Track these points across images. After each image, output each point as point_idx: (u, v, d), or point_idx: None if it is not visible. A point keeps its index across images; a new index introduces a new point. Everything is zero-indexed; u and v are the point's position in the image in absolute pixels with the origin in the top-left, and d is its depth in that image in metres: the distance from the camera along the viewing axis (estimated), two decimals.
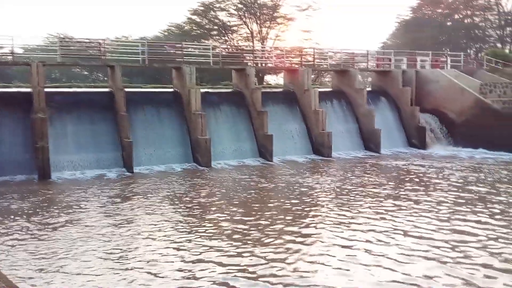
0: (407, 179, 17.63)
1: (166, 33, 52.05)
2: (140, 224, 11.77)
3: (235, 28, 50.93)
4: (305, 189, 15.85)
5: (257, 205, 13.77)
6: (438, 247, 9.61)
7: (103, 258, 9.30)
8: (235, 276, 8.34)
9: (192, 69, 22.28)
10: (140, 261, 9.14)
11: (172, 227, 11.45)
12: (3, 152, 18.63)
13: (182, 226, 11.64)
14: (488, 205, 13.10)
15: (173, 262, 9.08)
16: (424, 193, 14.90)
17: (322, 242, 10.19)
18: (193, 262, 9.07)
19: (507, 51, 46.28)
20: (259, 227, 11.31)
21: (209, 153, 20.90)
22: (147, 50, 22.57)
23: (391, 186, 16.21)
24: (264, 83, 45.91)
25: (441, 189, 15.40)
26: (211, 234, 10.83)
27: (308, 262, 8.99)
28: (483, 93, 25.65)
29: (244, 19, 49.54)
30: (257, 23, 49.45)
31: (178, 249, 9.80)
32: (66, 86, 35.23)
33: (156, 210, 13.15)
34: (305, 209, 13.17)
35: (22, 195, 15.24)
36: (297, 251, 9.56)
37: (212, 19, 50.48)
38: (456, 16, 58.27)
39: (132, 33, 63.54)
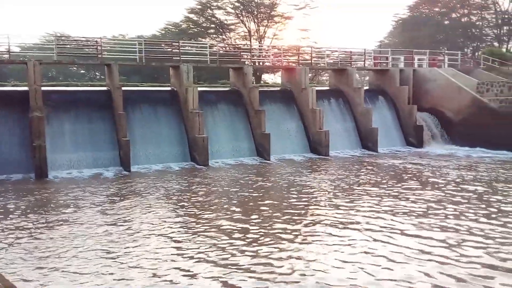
0: (404, 177, 17.65)
1: (163, 32, 52.01)
2: (137, 223, 11.74)
3: (232, 26, 50.91)
4: (302, 188, 15.85)
5: (254, 203, 13.76)
6: (435, 246, 9.61)
7: (100, 257, 9.27)
8: (233, 275, 8.33)
9: (189, 68, 22.26)
10: (137, 260, 9.12)
11: (169, 226, 11.43)
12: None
13: (180, 225, 11.62)
14: (485, 204, 13.12)
15: (171, 261, 9.06)
16: (421, 192, 14.92)
17: (320, 240, 10.18)
18: (191, 261, 9.05)
19: (504, 50, 46.37)
20: (257, 226, 11.30)
21: (206, 151, 20.89)
22: (144, 49, 22.53)
23: (388, 184, 16.22)
24: (262, 81, 45.92)
25: (438, 188, 15.42)
26: (209, 233, 10.80)
27: (306, 261, 8.98)
28: (480, 92, 25.71)
29: (241, 17, 49.52)
30: (254, 21, 49.44)
31: (176, 248, 9.78)
32: (63, 85, 35.16)
33: (153, 209, 13.13)
34: (303, 207, 13.17)
35: (19, 194, 15.19)
36: (295, 250, 9.55)
37: (209, 17, 50.45)
38: (453, 15, 58.37)
39: (129, 31, 63.55)
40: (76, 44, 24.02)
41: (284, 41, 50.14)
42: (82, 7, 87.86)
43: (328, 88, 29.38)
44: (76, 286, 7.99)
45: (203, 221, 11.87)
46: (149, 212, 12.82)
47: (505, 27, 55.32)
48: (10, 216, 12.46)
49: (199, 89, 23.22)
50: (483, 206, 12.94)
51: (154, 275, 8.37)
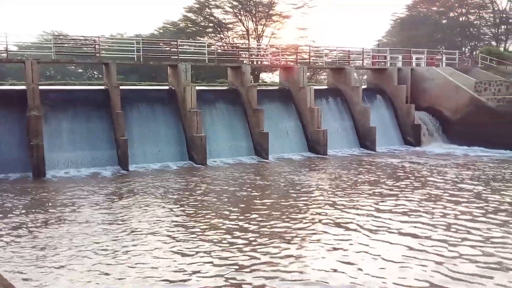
0: (402, 177, 17.67)
1: (161, 31, 51.99)
2: (135, 222, 11.74)
3: (230, 25, 50.92)
4: (300, 187, 15.86)
5: (253, 202, 13.76)
6: (432, 246, 9.62)
7: (98, 256, 9.26)
8: (232, 274, 8.33)
9: (187, 67, 22.24)
10: (135, 259, 9.12)
11: (167, 225, 11.42)
12: None
13: (178, 224, 11.61)
14: (483, 203, 13.14)
15: (168, 260, 9.06)
16: (419, 191, 14.95)
17: (318, 239, 10.19)
18: (189, 259, 9.05)
19: (501, 49, 46.46)
20: (255, 225, 11.30)
21: (204, 150, 20.88)
22: (142, 48, 22.50)
23: (386, 183, 16.24)
24: (260, 81, 45.92)
25: (436, 187, 15.45)
26: (207, 232, 10.81)
27: (304, 259, 9.00)
28: (478, 91, 25.75)
29: (239, 16, 49.53)
30: (252, 20, 49.44)
31: (174, 247, 9.78)
32: (61, 84, 35.11)
33: (151, 208, 13.12)
34: (301, 207, 13.17)
35: (17, 193, 15.16)
36: (293, 249, 9.56)
37: (207, 16, 50.45)
38: (451, 14, 58.48)
39: (127, 30, 63.46)
40: (74, 43, 23.96)
41: (282, 40, 50.19)
42: (82, 7, 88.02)
43: (326, 87, 29.38)
44: (75, 285, 7.98)
45: (202, 220, 11.87)
46: (147, 211, 12.81)
47: (502, 26, 55.44)
48: (8, 215, 12.43)
49: (197, 88, 23.21)
50: (481, 205, 12.97)
51: (153, 274, 8.37)
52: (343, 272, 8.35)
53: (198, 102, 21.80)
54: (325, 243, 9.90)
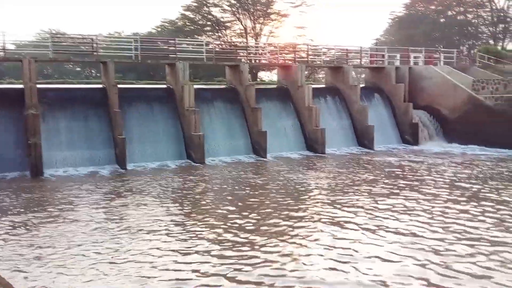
0: (400, 175, 17.69)
1: (159, 29, 51.91)
2: (133, 221, 11.72)
3: (228, 24, 50.90)
4: (298, 186, 15.87)
5: (251, 201, 13.75)
6: (430, 245, 9.63)
7: (96, 255, 9.25)
8: (230, 273, 8.34)
9: (185, 65, 22.20)
10: (134, 257, 9.11)
11: (165, 224, 11.41)
12: None
13: (176, 223, 11.60)
14: (480, 202, 13.17)
15: (167, 259, 9.05)
16: (416, 189, 14.96)
17: (316, 238, 10.20)
18: (187, 258, 9.05)
19: (499, 47, 46.50)
20: (253, 224, 11.30)
21: (202, 149, 20.86)
22: (140, 46, 22.45)
23: (384, 182, 16.25)
24: (258, 79, 45.91)
25: (434, 186, 15.47)
26: (206, 231, 10.80)
27: (302, 258, 9.00)
28: (476, 90, 25.78)
29: (237, 15, 49.49)
30: (250, 19, 49.42)
31: (172, 246, 9.77)
32: (59, 82, 35.06)
33: (149, 207, 13.10)
34: (299, 205, 13.18)
35: (14, 192, 15.12)
36: (291, 248, 9.57)
37: (206, 15, 50.40)
38: (449, 13, 58.54)
39: (125, 29, 63.40)
40: (72, 42, 23.91)
41: (281, 39, 50.21)
42: (82, 7, 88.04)
43: (324, 85, 29.38)
44: (73, 284, 7.97)
45: (200, 219, 11.87)
46: (145, 210, 12.79)
47: (500, 25, 55.52)
48: (6, 214, 12.40)
49: (195, 86, 23.15)
50: (479, 204, 12.99)
51: (152, 274, 8.36)
52: (341, 271, 8.36)
53: (196, 101, 21.77)
54: (323, 242, 9.91)
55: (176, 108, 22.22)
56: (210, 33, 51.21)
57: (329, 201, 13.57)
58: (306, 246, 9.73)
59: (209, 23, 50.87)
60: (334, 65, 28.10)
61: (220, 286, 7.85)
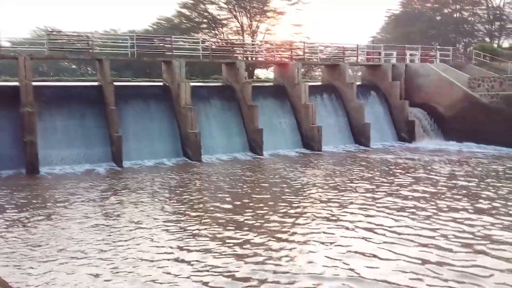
0: (396, 173, 17.72)
1: (155, 27, 51.73)
2: (130, 219, 11.70)
3: (225, 21, 50.80)
4: (295, 183, 15.87)
5: (247, 199, 13.76)
6: (426, 244, 9.65)
7: (92, 252, 9.24)
8: (227, 272, 8.34)
9: (181, 63, 22.15)
10: (130, 255, 9.10)
11: (162, 222, 11.40)
12: None
13: (172, 220, 11.59)
14: (476, 200, 13.21)
15: (164, 257, 9.04)
16: (413, 187, 15.00)
17: (312, 236, 10.21)
18: (184, 256, 9.05)
19: (495, 45, 46.63)
20: (250, 221, 11.30)
21: (199, 147, 20.83)
22: (136, 44, 22.38)
23: (381, 180, 16.28)
24: (254, 77, 45.86)
25: (430, 183, 15.50)
26: (202, 229, 10.80)
27: (298, 256, 9.01)
28: (472, 87, 25.82)
29: (234, 12, 49.40)
30: (247, 16, 49.33)
31: (169, 244, 9.76)
32: (54, 80, 34.92)
33: (145, 205, 13.08)
34: (296, 203, 13.18)
35: (10, 190, 15.06)
36: (288, 246, 9.58)
37: (202, 12, 50.28)
38: (446, 11, 58.60)
39: (121, 26, 63.17)
40: (68, 39, 23.77)
41: (277, 36, 50.19)
42: (82, 7, 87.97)
43: (320, 83, 29.39)
44: (70, 281, 7.95)
45: (196, 217, 11.86)
46: (142, 207, 12.77)
47: (496, 23, 55.66)
48: (1, 211, 12.35)
49: (192, 84, 23.11)
50: (474, 201, 13.03)
51: (149, 272, 8.35)
52: (336, 268, 8.37)
53: (193, 99, 21.73)
54: (319, 239, 9.92)
55: (173, 106, 22.18)
56: (207, 30, 51.10)
57: (325, 199, 13.58)
58: (302, 242, 9.74)
59: (205, 20, 50.75)
60: (330, 63, 28.10)
61: (217, 283, 7.85)
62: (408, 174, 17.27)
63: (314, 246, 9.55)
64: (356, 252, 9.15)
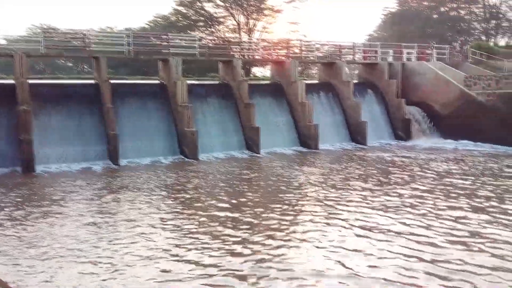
0: (393, 171, 17.75)
1: (152, 25, 51.59)
2: (126, 217, 11.68)
3: (221, 19, 50.70)
4: (292, 182, 15.88)
5: (244, 198, 13.75)
6: (423, 242, 9.68)
7: (88, 251, 9.22)
8: (225, 270, 8.34)
9: (178, 61, 22.09)
10: (126, 253, 9.09)
11: (158, 220, 11.38)
12: None
13: (169, 219, 11.58)
14: (471, 198, 13.25)
15: (161, 256, 9.04)
16: (409, 185, 15.03)
17: (310, 235, 10.22)
18: (179, 253, 9.04)
19: (491, 43, 46.72)
20: (247, 220, 11.30)
21: (196, 145, 20.80)
22: (132, 41, 22.30)
23: (377, 178, 16.31)
24: (251, 75, 45.80)
25: (426, 182, 15.54)
26: (198, 228, 10.79)
27: (295, 254, 9.03)
28: (468, 86, 25.87)
29: (230, 10, 49.31)
30: (244, 14, 49.24)
31: (165, 242, 9.76)
32: (51, 78, 34.79)
33: (141, 203, 13.06)
34: (293, 201, 13.20)
35: (5, 188, 15.00)
36: (284, 243, 9.59)
37: (199, 10, 50.14)
38: (442, 9, 58.68)
39: (118, 24, 63.07)
40: (64, 37, 23.67)
41: (274, 35, 50.03)
42: (82, 7, 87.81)
43: (317, 81, 29.39)
44: (62, 280, 7.94)
45: (193, 215, 11.85)
46: (138, 206, 12.75)
47: (492, 21, 55.76)
48: None
49: (188, 82, 23.05)
50: (470, 200, 13.07)
51: (144, 269, 8.34)
52: (332, 266, 8.39)
53: (189, 97, 21.68)
54: (316, 238, 9.93)
55: (169, 104, 22.12)
56: (203, 28, 50.99)
57: (322, 197, 13.59)
58: (299, 240, 9.75)
59: (202, 18, 50.64)
60: (327, 61, 28.09)
61: (214, 281, 7.84)
62: (405, 172, 17.30)
63: (311, 243, 9.57)
64: (353, 250, 9.16)
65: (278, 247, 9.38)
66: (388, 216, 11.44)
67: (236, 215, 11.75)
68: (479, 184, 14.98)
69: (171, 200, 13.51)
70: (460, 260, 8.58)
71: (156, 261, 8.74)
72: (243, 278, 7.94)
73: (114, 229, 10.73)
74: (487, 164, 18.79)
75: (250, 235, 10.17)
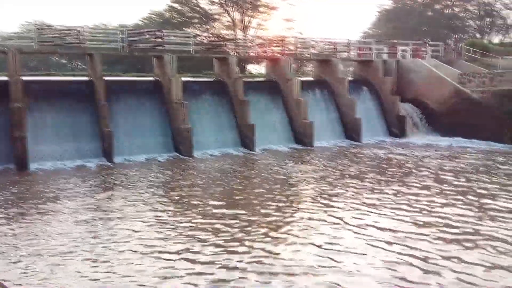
0: (387, 168, 17.80)
1: (146, 21, 51.39)
2: (120, 215, 11.65)
3: (216, 16, 50.56)
4: (287, 179, 15.89)
5: (239, 195, 13.75)
6: (414, 239, 9.71)
7: (83, 248, 9.18)
8: (222, 268, 8.33)
9: (173, 58, 22.03)
10: (121, 251, 9.06)
11: (153, 218, 11.36)
12: None
13: (164, 217, 11.55)
14: (466, 195, 13.30)
15: (154, 253, 9.01)
16: (403, 182, 15.08)
17: (303, 230, 10.23)
18: (174, 250, 9.02)
19: (485, 41, 46.89)
20: (242, 217, 11.29)
21: (190, 142, 20.77)
22: (127, 38, 22.20)
23: (372, 175, 16.34)
24: (246, 72, 45.72)
25: (420, 179, 15.58)
26: (194, 224, 10.78)
27: (291, 253, 9.03)
28: (462, 83, 25.98)
29: (225, 7, 49.19)
30: (239, 11, 49.12)
31: (161, 242, 9.73)
32: (44, 75, 34.57)
33: (136, 200, 13.02)
34: (288, 199, 13.21)
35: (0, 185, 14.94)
36: (279, 241, 9.59)
37: (193, 7, 49.99)
38: (437, 6, 58.79)
39: (112, 20, 62.79)
40: (58, 34, 23.51)
41: (269, 32, 49.97)
42: (82, 7, 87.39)
43: (312, 79, 29.40)
44: (58, 279, 7.91)
45: (188, 212, 11.83)
46: (133, 203, 12.72)
47: (487, 19, 55.95)
48: None
49: (183, 79, 22.99)
50: (464, 197, 13.12)
51: (139, 267, 8.32)
52: (328, 264, 8.40)
53: (184, 94, 21.63)
54: (310, 234, 9.95)
55: (164, 101, 22.06)
56: (198, 25, 50.83)
57: (316, 194, 13.61)
58: (294, 237, 9.75)
59: (197, 15, 50.47)
60: (322, 58, 28.12)
61: (209, 277, 7.84)
62: (399, 169, 17.35)
63: (306, 240, 9.57)
64: (347, 247, 9.18)
65: (274, 244, 9.39)
66: (383, 213, 11.48)
67: (231, 212, 11.74)
68: (473, 181, 15.04)
69: (166, 198, 13.48)
70: (455, 257, 8.62)
71: (152, 258, 8.72)
72: (239, 274, 7.94)
73: (109, 226, 10.69)
74: (481, 161, 18.88)
75: (246, 232, 10.16)
